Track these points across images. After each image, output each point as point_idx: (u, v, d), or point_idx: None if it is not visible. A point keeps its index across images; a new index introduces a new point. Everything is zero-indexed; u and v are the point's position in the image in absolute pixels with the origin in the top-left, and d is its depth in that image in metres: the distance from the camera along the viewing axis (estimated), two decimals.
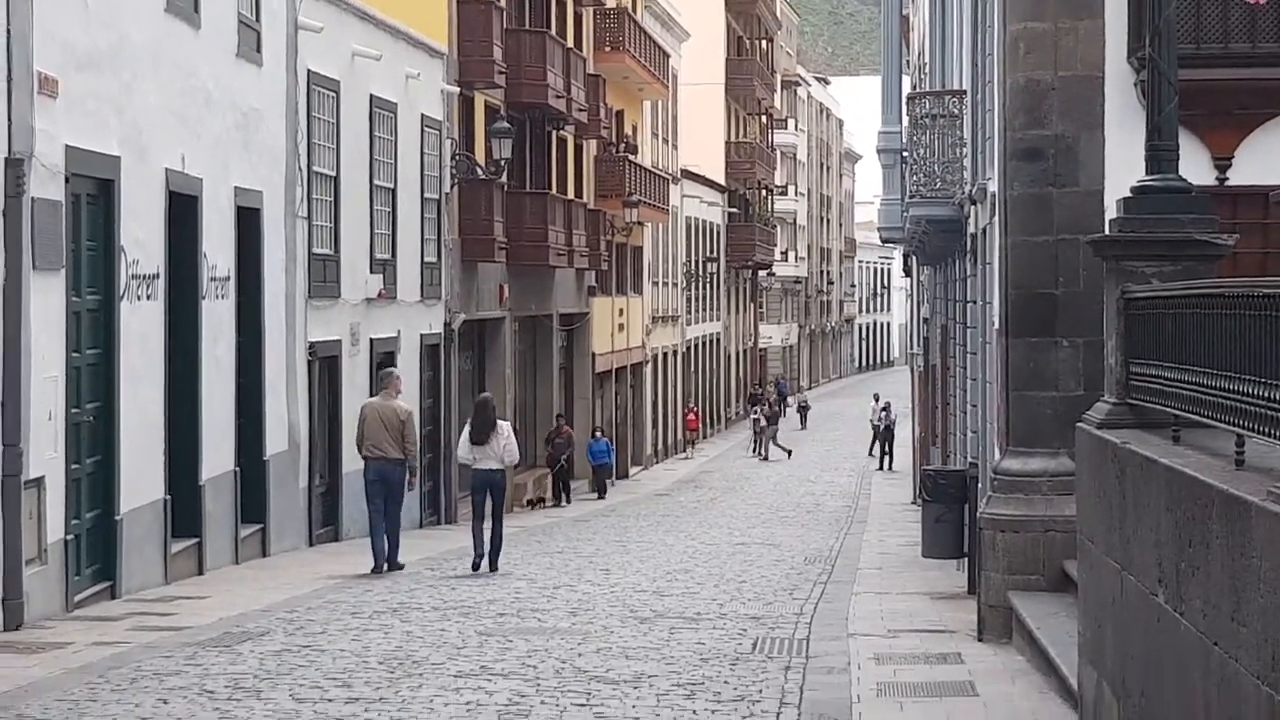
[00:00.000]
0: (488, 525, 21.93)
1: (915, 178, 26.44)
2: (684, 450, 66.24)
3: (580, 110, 45.21)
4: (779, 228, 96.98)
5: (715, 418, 77.35)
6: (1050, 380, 15.08)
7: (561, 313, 46.65)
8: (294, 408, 25.06)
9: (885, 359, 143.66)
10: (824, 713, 11.90)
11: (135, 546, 18.62)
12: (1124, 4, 14.93)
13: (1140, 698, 8.75)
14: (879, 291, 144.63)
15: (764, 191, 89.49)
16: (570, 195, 46.12)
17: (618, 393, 55.66)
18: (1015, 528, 14.91)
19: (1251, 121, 15.21)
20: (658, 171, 59.74)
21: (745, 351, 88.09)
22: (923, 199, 26.34)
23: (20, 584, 15.62)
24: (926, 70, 35.42)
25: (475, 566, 21.80)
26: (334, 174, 27.29)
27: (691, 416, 67.90)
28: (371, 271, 29.18)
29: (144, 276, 19.01)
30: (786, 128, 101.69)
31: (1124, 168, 13.74)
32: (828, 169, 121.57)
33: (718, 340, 78.37)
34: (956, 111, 25.22)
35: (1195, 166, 13.84)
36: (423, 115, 32.48)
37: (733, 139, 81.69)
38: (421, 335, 32.48)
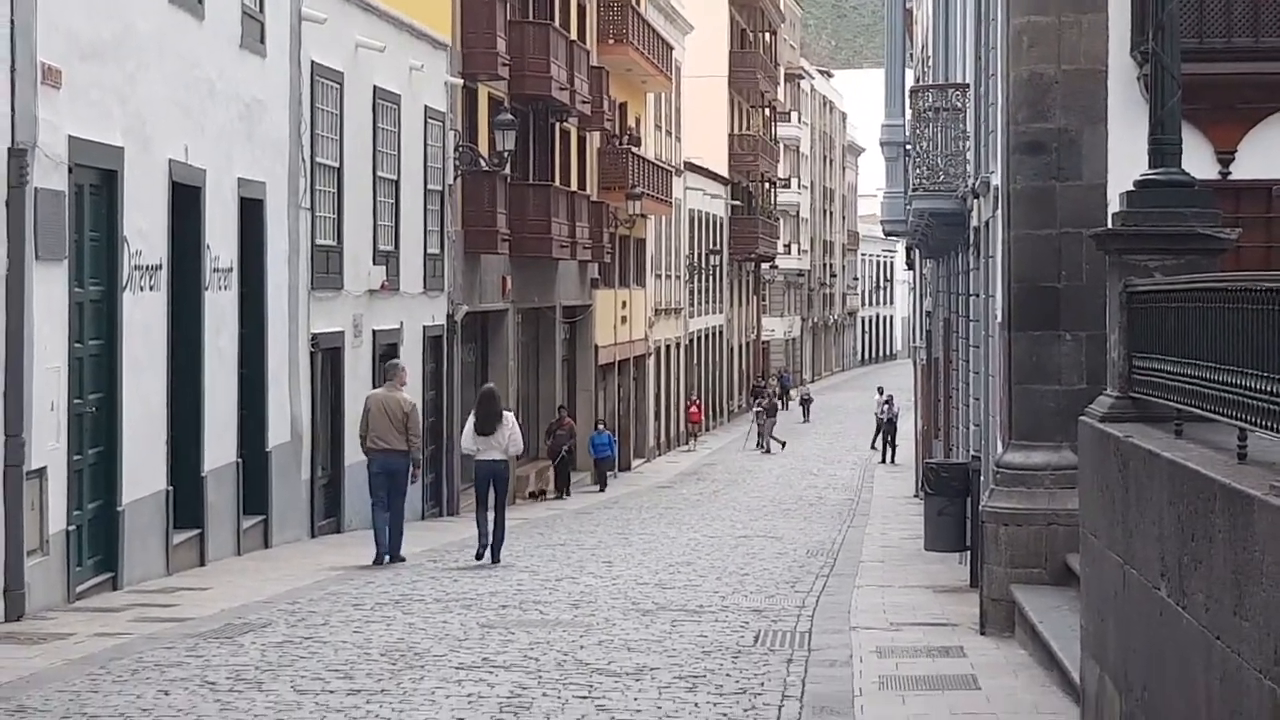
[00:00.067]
0: (491, 516, 21.95)
1: (918, 171, 26.43)
2: (686, 443, 66.24)
3: (583, 102, 45.19)
4: (782, 220, 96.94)
5: (718, 410, 77.35)
6: (1053, 374, 15.08)
7: (564, 305, 46.65)
8: (296, 399, 25.07)
9: (888, 352, 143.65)
10: (826, 705, 11.91)
11: (137, 537, 18.63)
12: None
13: (1142, 691, 8.75)
14: (881, 284, 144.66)
15: (767, 184, 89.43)
16: (573, 187, 46.10)
17: (620, 385, 55.65)
18: (1018, 521, 14.91)
19: (1254, 115, 15.20)
20: (661, 164, 59.72)
21: (748, 344, 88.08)
22: (925, 192, 26.34)
23: (22, 575, 15.63)
24: (929, 63, 35.40)
25: (479, 555, 21.84)
26: (337, 165, 27.28)
27: (694, 409, 67.90)
28: (374, 263, 29.18)
29: (147, 267, 19.01)
30: (789, 120, 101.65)
31: (1127, 161, 13.74)
32: (831, 162, 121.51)
33: (720, 333, 78.36)
34: (959, 105, 25.22)
35: (1198, 160, 13.83)
36: (426, 107, 32.47)
37: (736, 132, 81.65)
38: (424, 327, 32.48)
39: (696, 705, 11.88)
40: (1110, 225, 11.75)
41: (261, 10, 23.43)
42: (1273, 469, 7.07)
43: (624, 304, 54.93)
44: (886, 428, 58.84)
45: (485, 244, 36.45)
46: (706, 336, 74.58)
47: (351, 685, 12.48)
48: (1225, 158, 15.14)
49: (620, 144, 53.25)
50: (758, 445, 62.47)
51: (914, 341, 52.89)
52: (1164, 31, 10.61)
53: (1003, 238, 16.02)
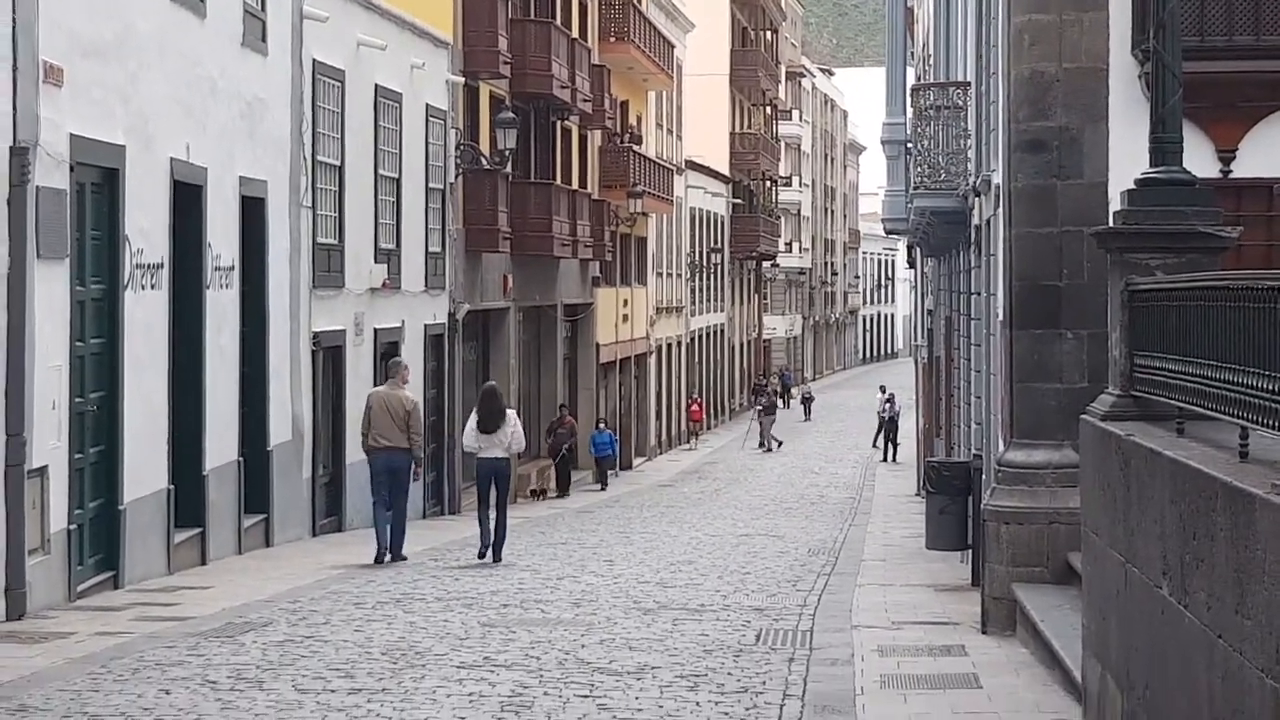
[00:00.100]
0: (493, 514, 21.95)
1: (919, 169, 26.43)
2: (688, 441, 66.24)
3: (585, 101, 45.18)
4: (783, 219, 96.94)
5: (719, 409, 77.34)
6: (1054, 372, 15.08)
7: (566, 303, 46.65)
8: (298, 398, 25.07)
9: (889, 351, 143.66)
10: (827, 704, 11.90)
11: (138, 536, 18.63)
12: None
13: (1144, 690, 8.74)
14: (883, 283, 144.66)
15: (768, 182, 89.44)
16: (575, 186, 46.09)
17: (622, 384, 55.64)
18: (1019, 520, 14.91)
19: (1255, 114, 15.20)
20: (662, 162, 59.71)
21: (749, 343, 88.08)
22: (927, 190, 26.33)
23: (23, 574, 15.62)
24: (931, 62, 35.39)
25: (482, 554, 21.84)
26: (338, 164, 27.28)
27: (695, 408, 67.89)
28: (376, 261, 29.18)
29: (148, 266, 19.01)
30: (791, 119, 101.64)
31: (1128, 160, 13.74)
32: (832, 160, 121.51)
33: (722, 331, 78.36)
34: (961, 103, 25.21)
35: (1199, 159, 13.83)
36: (427, 105, 32.46)
37: (737, 130, 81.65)
38: (425, 325, 32.48)
39: (698, 704, 11.87)
40: (1111, 223, 11.75)
41: (263, 9, 23.43)
42: (1274, 467, 7.06)
43: (625, 302, 54.93)
44: (888, 426, 58.82)
45: (486, 242, 36.46)
46: (708, 335, 74.58)
47: (353, 684, 12.47)
48: (1226, 156, 15.14)
49: (621, 142, 53.25)
50: (760, 444, 62.42)
51: (915, 340, 52.89)
52: (1165, 29, 10.60)
53: (1004, 236, 16.01)
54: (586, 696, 12.07)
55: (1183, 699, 7.82)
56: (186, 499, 20.16)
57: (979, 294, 22.53)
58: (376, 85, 29.25)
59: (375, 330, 29.14)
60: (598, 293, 50.17)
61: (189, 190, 20.41)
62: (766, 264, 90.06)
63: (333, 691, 12.18)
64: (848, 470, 52.54)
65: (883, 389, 62.00)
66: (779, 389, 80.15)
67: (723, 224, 77.23)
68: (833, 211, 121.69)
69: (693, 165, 69.61)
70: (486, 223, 36.27)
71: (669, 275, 64.58)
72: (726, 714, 11.55)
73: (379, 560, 21.31)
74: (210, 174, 21.08)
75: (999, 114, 17.25)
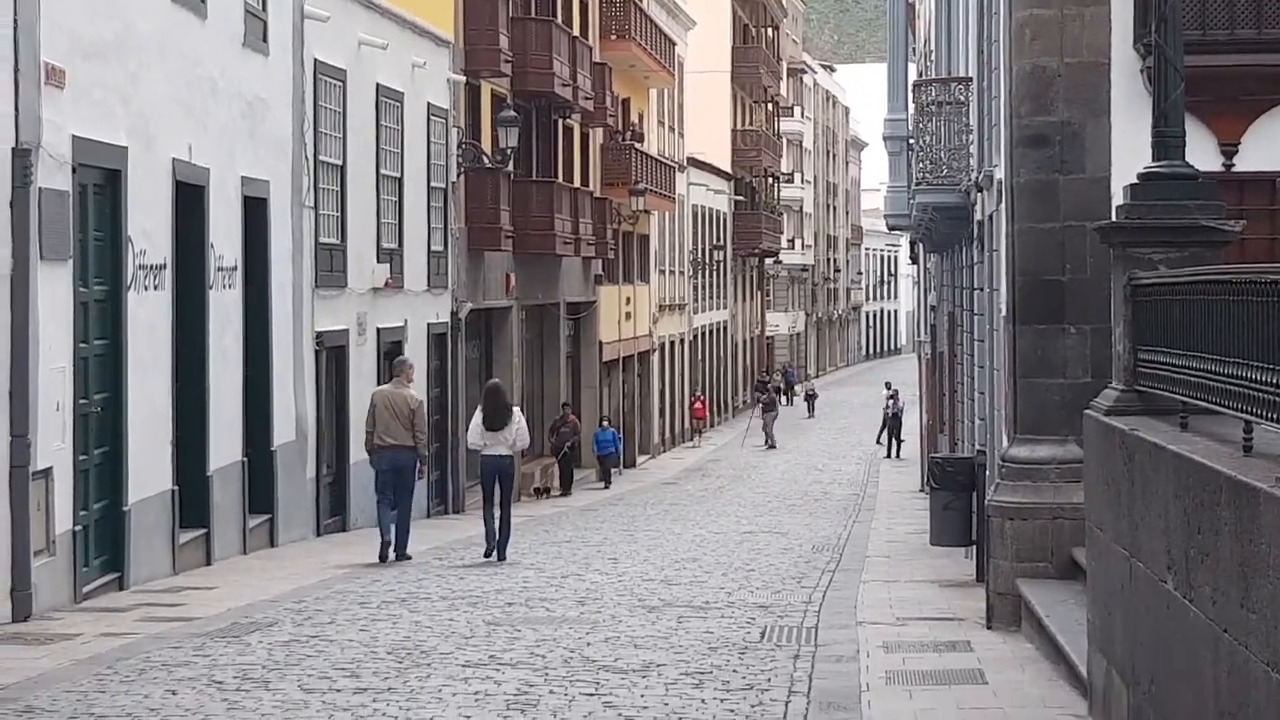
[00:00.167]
0: (497, 512, 21.96)
1: (921, 165, 26.41)
2: (691, 439, 66.23)
3: (586, 99, 45.18)
4: (785, 215, 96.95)
5: (722, 406, 77.34)
6: (1058, 367, 15.08)
7: (568, 301, 46.65)
8: (301, 398, 25.08)
9: (892, 347, 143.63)
10: (833, 701, 11.90)
11: (143, 537, 18.64)
12: None
13: (1150, 685, 8.74)
14: (886, 279, 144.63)
15: (770, 179, 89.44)
16: (576, 184, 46.08)
17: (625, 381, 55.64)
18: (1023, 515, 14.91)
19: (1258, 107, 15.19)
20: (664, 160, 59.71)
21: (752, 340, 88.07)
22: (929, 186, 26.32)
23: (28, 575, 15.62)
24: (932, 57, 35.38)
25: (488, 553, 21.84)
26: (340, 163, 27.29)
27: (698, 405, 67.88)
28: (378, 261, 29.18)
29: (151, 267, 19.01)
30: (792, 115, 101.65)
31: (1130, 154, 13.74)
32: (834, 156, 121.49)
33: (725, 328, 78.35)
34: (962, 98, 25.20)
35: (1202, 153, 13.83)
36: (429, 104, 32.47)
37: (739, 127, 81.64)
38: (428, 324, 32.49)
39: (703, 701, 11.87)
40: (1114, 218, 11.75)
41: (264, 9, 23.43)
42: (1278, 461, 7.07)
43: (628, 300, 54.92)
44: (891, 422, 58.80)
45: (489, 241, 36.46)
46: (711, 332, 74.57)
47: (358, 684, 12.47)
48: (1229, 150, 15.14)
49: (623, 140, 53.24)
50: (765, 442, 62.32)
51: (918, 336, 52.89)
52: (1167, 23, 10.60)
53: (1006, 231, 16.01)
54: (592, 694, 12.08)
55: (1188, 693, 7.82)
56: (191, 500, 20.16)
57: (982, 289, 22.53)
58: (378, 84, 29.26)
59: (378, 330, 29.15)
60: (600, 291, 50.17)
61: (191, 191, 20.41)
62: (769, 261, 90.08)
63: (338, 691, 12.19)
64: (851, 467, 52.53)
65: (888, 385, 61.97)
66: (779, 386, 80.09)
67: (725, 221, 77.22)
68: (835, 208, 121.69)
69: (694, 162, 69.60)
70: (489, 221, 36.27)
71: (671, 273, 64.58)
72: (732, 711, 11.56)
73: (383, 557, 21.31)
74: (212, 174, 21.09)
75: (1001, 109, 17.25)
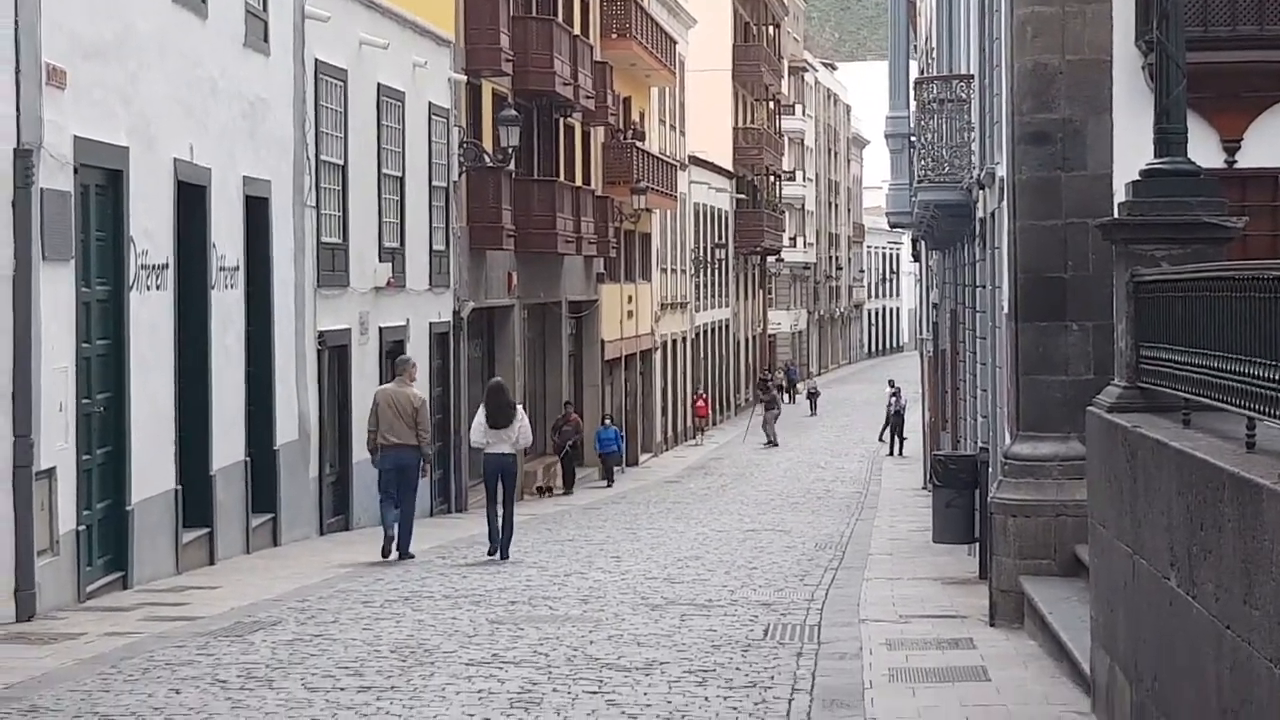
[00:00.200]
0: (500, 510, 21.96)
1: (923, 162, 26.40)
2: (693, 437, 66.23)
3: (587, 97, 45.18)
4: (787, 213, 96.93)
5: (725, 404, 77.34)
6: (1060, 364, 15.07)
7: (570, 300, 46.66)
8: (304, 397, 25.09)
9: (895, 344, 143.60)
10: (836, 698, 11.90)
11: (146, 537, 18.64)
12: None
13: (1153, 681, 8.75)
14: (888, 276, 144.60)
15: (772, 177, 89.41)
16: (578, 182, 46.09)
17: (627, 380, 55.65)
18: (1026, 512, 14.91)
19: (1260, 104, 15.19)
20: (665, 158, 59.71)
21: (754, 338, 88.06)
22: (931, 184, 26.31)
23: (32, 575, 15.64)
24: (933, 55, 35.37)
25: (492, 551, 21.86)
26: (342, 163, 27.30)
27: (701, 403, 67.87)
28: (380, 260, 29.19)
29: (153, 266, 19.03)
30: (794, 113, 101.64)
31: (1132, 151, 13.73)
32: (835, 154, 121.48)
33: (727, 327, 78.34)
34: (964, 96, 25.19)
35: (1204, 149, 13.83)
36: (430, 103, 32.47)
37: (740, 125, 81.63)
38: (430, 323, 32.50)
39: (706, 699, 11.88)
40: (1116, 215, 11.76)
41: (265, 8, 23.44)
42: None
43: (630, 299, 54.93)
44: (894, 420, 58.78)
45: (490, 240, 36.47)
46: (713, 330, 74.57)
47: (362, 682, 12.48)
48: (1231, 146, 15.13)
49: (624, 138, 53.25)
50: (765, 440, 62.26)
51: (920, 333, 52.89)
52: (1168, 20, 10.60)
53: (1009, 228, 16.01)
54: (595, 692, 12.08)
55: (1191, 690, 7.83)
56: (194, 499, 20.17)
57: (984, 287, 22.52)
58: (379, 84, 29.26)
59: (380, 329, 29.16)
60: (602, 289, 50.17)
61: (193, 191, 20.42)
62: (771, 259, 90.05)
63: (342, 690, 12.19)
64: (854, 464, 52.52)
65: (891, 383, 61.94)
66: (782, 384, 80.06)
67: (727, 219, 77.22)
68: (837, 206, 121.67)
69: (696, 161, 69.60)
70: (490, 220, 36.28)
71: (673, 271, 64.58)
72: (735, 709, 11.56)
73: (385, 553, 21.31)
74: (214, 174, 21.09)
75: (1002, 107, 17.24)
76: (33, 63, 15.78)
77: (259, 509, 22.82)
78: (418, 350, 30.72)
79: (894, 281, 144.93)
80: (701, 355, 71.54)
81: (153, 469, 18.87)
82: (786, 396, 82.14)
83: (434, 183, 32.82)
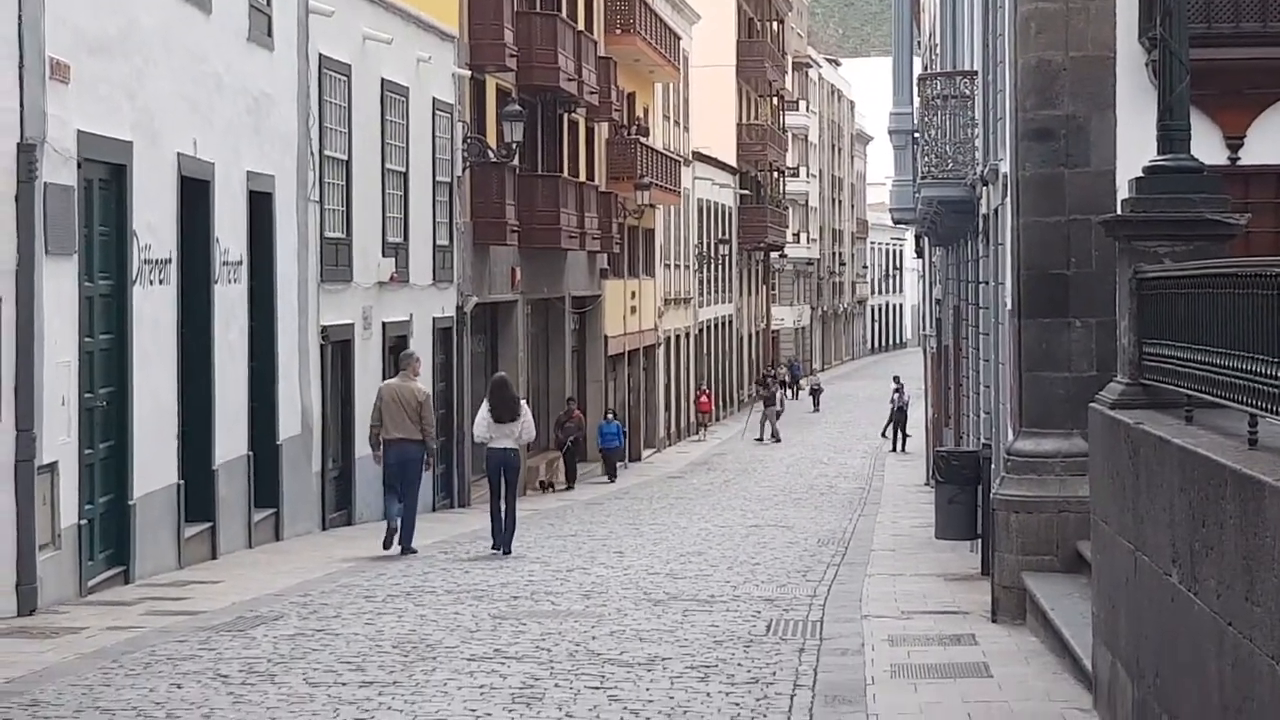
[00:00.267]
0: (503, 505, 21.96)
1: (927, 159, 26.39)
2: (696, 433, 66.24)
3: (591, 93, 45.18)
4: (791, 209, 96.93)
5: (728, 400, 77.35)
6: (1063, 361, 15.07)
7: (574, 295, 46.66)
8: (307, 392, 25.09)
9: (898, 340, 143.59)
10: (838, 694, 11.91)
11: (149, 531, 18.65)
12: None
13: (1154, 678, 8.75)
14: (891, 273, 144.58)
15: (775, 173, 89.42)
16: (582, 178, 46.10)
17: (630, 375, 55.66)
18: (1029, 509, 14.90)
19: (1263, 101, 15.17)
20: (669, 154, 59.71)
21: (757, 334, 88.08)
22: (934, 180, 26.31)
23: (34, 569, 15.65)
24: (937, 51, 35.36)
25: (495, 546, 21.86)
26: (346, 158, 27.30)
27: (704, 399, 67.89)
28: (384, 255, 29.19)
29: (156, 261, 19.03)
30: (798, 109, 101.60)
31: (1135, 148, 13.73)
32: (839, 150, 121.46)
33: (730, 322, 78.36)
34: (968, 92, 25.18)
35: (1207, 146, 13.80)
36: (434, 99, 32.48)
37: (744, 121, 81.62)
38: (434, 318, 32.51)
39: (709, 695, 11.88)
40: (1119, 212, 11.75)
41: (269, 4, 23.44)
42: None
43: (633, 294, 54.93)
44: (897, 416, 58.78)
45: (494, 235, 36.47)
46: (716, 326, 74.58)
47: (364, 677, 12.49)
48: (1234, 143, 15.12)
49: (628, 134, 53.25)
50: (771, 436, 62.21)
51: (924, 329, 52.88)
52: (1172, 17, 10.59)
53: (1012, 225, 16.01)
54: (597, 688, 12.08)
55: (1193, 686, 7.82)
56: (196, 494, 20.18)
57: (987, 283, 22.52)
58: (383, 79, 29.26)
59: (384, 324, 29.17)
60: (605, 285, 50.18)
61: (196, 185, 20.42)
62: (774, 255, 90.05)
63: (344, 684, 12.20)
64: (857, 460, 52.53)
65: (896, 379, 61.89)
66: (784, 380, 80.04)
67: (730, 215, 77.23)
68: (840, 202, 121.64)
69: (700, 157, 69.60)
70: (494, 216, 36.28)
71: (677, 267, 64.59)
72: (737, 704, 11.56)
73: (387, 545, 21.30)
74: (217, 169, 21.09)
75: (1006, 103, 17.24)
76: (36, 57, 15.79)
77: (261, 504, 22.83)
78: (421, 345, 30.71)
79: (897, 278, 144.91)
80: (704, 351, 71.55)
81: (155, 464, 18.88)
82: (790, 392, 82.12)
83: (438, 178, 32.83)
